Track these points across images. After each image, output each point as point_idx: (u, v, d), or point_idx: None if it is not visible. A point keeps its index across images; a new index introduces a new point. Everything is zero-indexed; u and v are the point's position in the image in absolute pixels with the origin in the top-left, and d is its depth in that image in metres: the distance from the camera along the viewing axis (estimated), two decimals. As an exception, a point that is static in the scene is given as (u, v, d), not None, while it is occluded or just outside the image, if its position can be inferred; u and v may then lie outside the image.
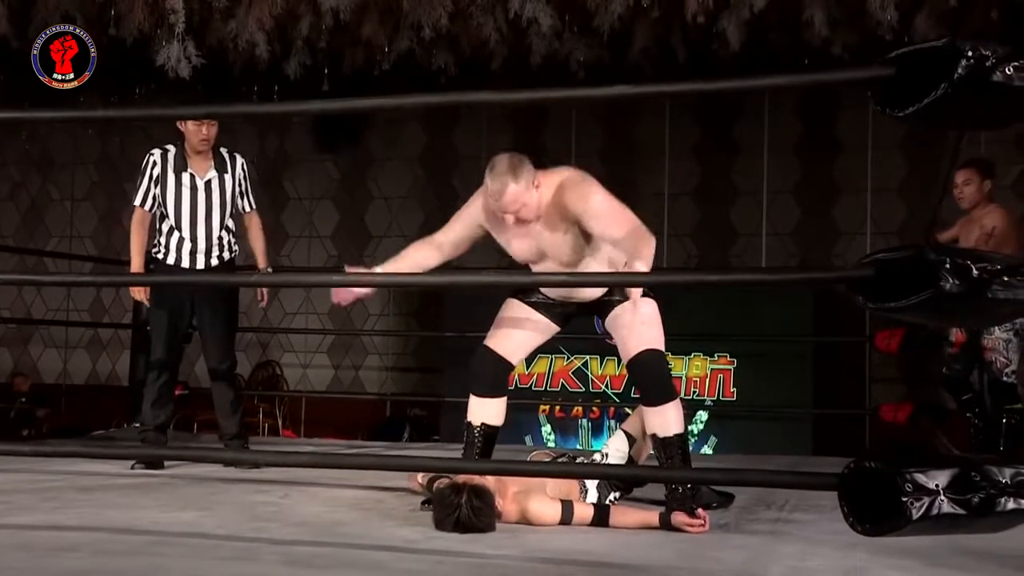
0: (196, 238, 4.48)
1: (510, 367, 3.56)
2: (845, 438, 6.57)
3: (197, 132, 4.43)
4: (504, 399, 3.53)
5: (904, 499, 1.96)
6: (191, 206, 4.46)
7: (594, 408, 6.94)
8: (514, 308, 3.54)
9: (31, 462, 4.28)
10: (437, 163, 8.30)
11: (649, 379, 3.29)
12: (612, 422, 6.86)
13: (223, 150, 4.59)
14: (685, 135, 7.67)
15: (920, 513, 1.96)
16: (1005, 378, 4.97)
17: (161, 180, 4.47)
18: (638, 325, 3.31)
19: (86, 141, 8.95)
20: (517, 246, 3.43)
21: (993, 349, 4.97)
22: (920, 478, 1.98)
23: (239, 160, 4.61)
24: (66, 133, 8.91)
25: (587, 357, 6.93)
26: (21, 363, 9.02)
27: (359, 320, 8.29)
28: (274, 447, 5.81)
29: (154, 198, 4.49)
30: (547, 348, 6.85)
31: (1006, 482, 2.05)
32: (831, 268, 6.28)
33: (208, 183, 4.49)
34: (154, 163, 4.49)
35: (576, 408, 6.95)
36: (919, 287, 2.06)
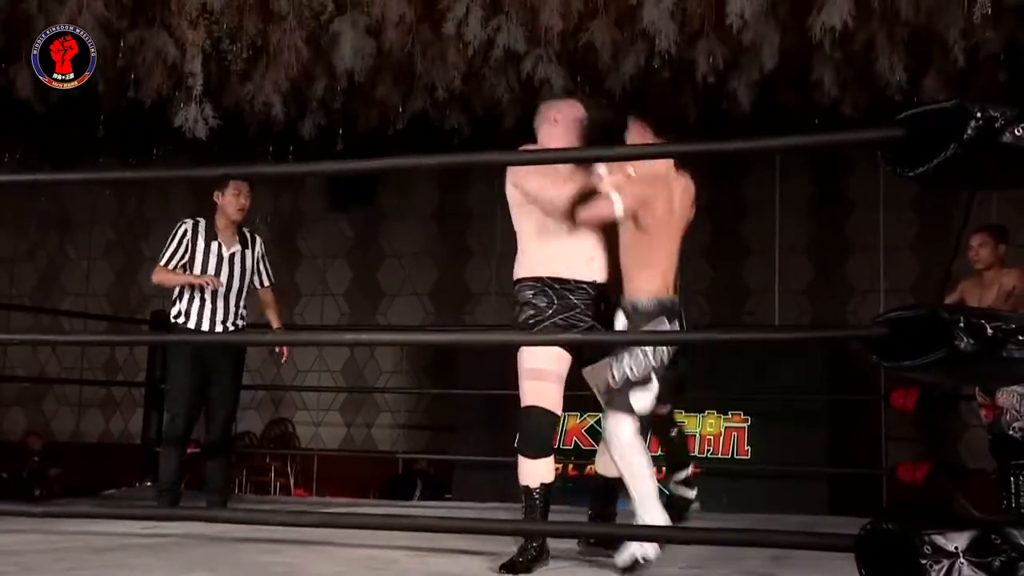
0: (216, 306, 4.73)
1: (558, 420, 3.47)
2: (861, 498, 6.49)
3: (235, 202, 4.74)
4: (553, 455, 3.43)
5: (923, 562, 1.93)
6: (215, 274, 4.72)
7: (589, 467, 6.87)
8: (541, 356, 3.42)
9: (43, 522, 4.26)
10: (450, 221, 8.36)
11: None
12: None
13: (245, 229, 4.91)
14: (698, 193, 7.69)
15: (940, 576, 1.93)
16: (1012, 432, 4.94)
17: (191, 248, 4.74)
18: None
19: (103, 201, 9.06)
20: None
21: (1006, 404, 4.94)
22: (939, 540, 1.95)
23: (259, 239, 4.97)
24: (84, 193, 9.02)
25: (600, 415, 6.88)
26: (34, 422, 9.03)
27: (372, 377, 8.29)
28: (286, 506, 5.77)
29: (180, 262, 4.74)
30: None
31: (1027, 544, 2.02)
32: (845, 326, 6.27)
33: (232, 256, 4.80)
34: (185, 231, 4.77)
35: (590, 466, 6.88)
36: (934, 346, 2.05)
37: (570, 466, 6.92)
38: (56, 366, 9.00)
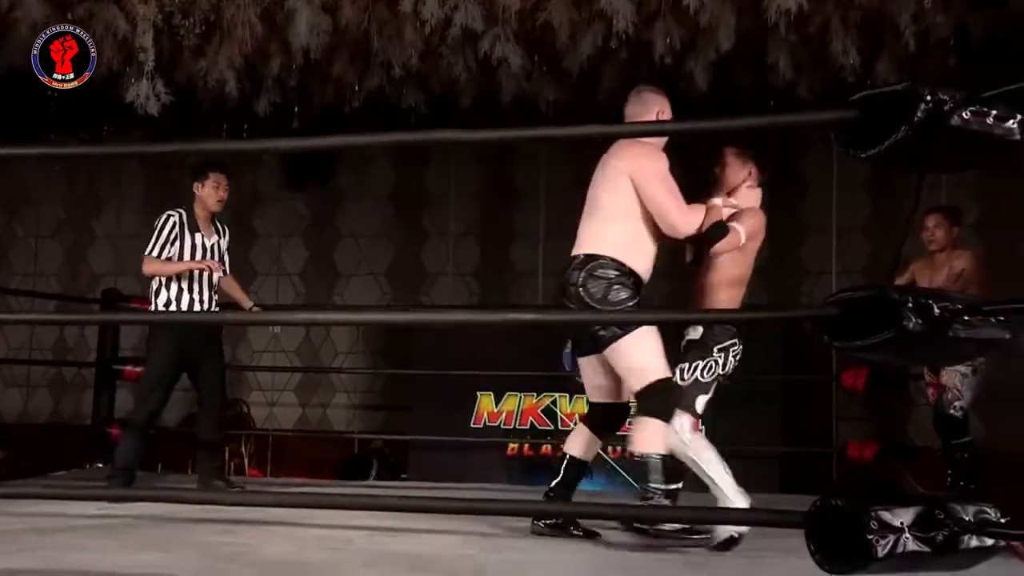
0: (203, 296, 4.91)
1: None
2: (813, 476, 6.60)
3: (215, 194, 4.94)
4: None
5: (870, 537, 1.97)
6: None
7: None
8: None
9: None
10: (407, 201, 8.32)
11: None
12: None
13: (216, 220, 5.08)
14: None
15: (886, 551, 1.97)
16: (952, 411, 5.03)
17: (179, 240, 4.89)
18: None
19: (53, 178, 8.88)
20: None
21: (948, 383, 5.04)
22: (885, 516, 1.99)
23: (226, 230, 5.14)
24: (32, 170, 8.84)
25: (556, 395, 6.93)
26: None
27: (327, 358, 8.25)
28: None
29: (169, 254, 4.88)
30: (516, 385, 6.94)
31: (969, 519, 2.07)
32: (799, 307, 6.34)
33: (212, 246, 5.00)
34: (174, 223, 4.91)
35: (545, 446, 6.93)
36: (883, 326, 2.09)
37: (526, 446, 6.96)
38: (3, 346, 8.84)
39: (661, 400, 3.51)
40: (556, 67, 5.74)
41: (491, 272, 8.07)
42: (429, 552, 3.34)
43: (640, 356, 3.53)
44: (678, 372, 3.60)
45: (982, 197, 6.91)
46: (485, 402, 7.07)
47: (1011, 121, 2.07)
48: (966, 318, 2.13)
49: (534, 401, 6.99)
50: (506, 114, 6.20)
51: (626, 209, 3.62)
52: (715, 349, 3.64)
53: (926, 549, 2.00)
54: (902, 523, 1.99)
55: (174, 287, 4.89)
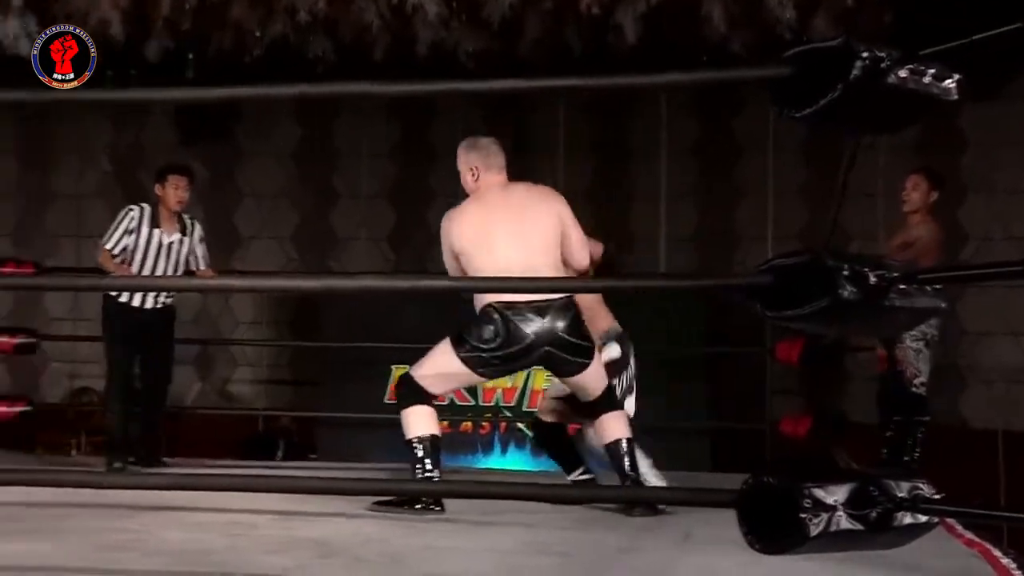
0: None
1: None
2: (745, 453, 6.75)
3: (174, 195, 5.43)
4: None
5: (803, 515, 2.02)
6: (154, 260, 5.44)
7: (484, 423, 6.96)
8: None
9: None
10: (313, 159, 8.21)
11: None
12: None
13: (186, 216, 5.57)
14: (580, 133, 7.77)
15: (819, 530, 2.03)
16: (914, 389, 5.14)
17: (136, 233, 5.41)
18: None
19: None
20: None
21: (904, 359, 5.13)
22: (819, 493, 2.04)
23: (198, 226, 5.64)
24: None
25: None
26: None
27: (228, 329, 8.13)
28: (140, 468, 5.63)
29: (124, 247, 5.41)
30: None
31: (903, 496, 2.14)
32: (729, 275, 6.43)
33: (171, 244, 5.49)
34: (132, 217, 5.44)
35: (465, 423, 6.95)
36: (817, 294, 2.12)
37: (444, 423, 6.96)
38: None
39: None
40: (476, 17, 5.71)
41: (405, 236, 8.02)
42: (340, 538, 3.33)
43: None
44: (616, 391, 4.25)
45: (918, 158, 7.10)
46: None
47: (948, 80, 2.13)
48: (902, 287, 2.18)
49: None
50: (421, 65, 6.15)
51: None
52: (631, 357, 4.36)
53: (860, 527, 2.06)
54: (836, 501, 2.05)
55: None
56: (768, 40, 5.60)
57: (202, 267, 5.62)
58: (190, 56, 6.28)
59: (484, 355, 3.89)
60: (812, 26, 5.47)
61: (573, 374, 4.04)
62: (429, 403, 4.02)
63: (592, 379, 4.08)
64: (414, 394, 4.01)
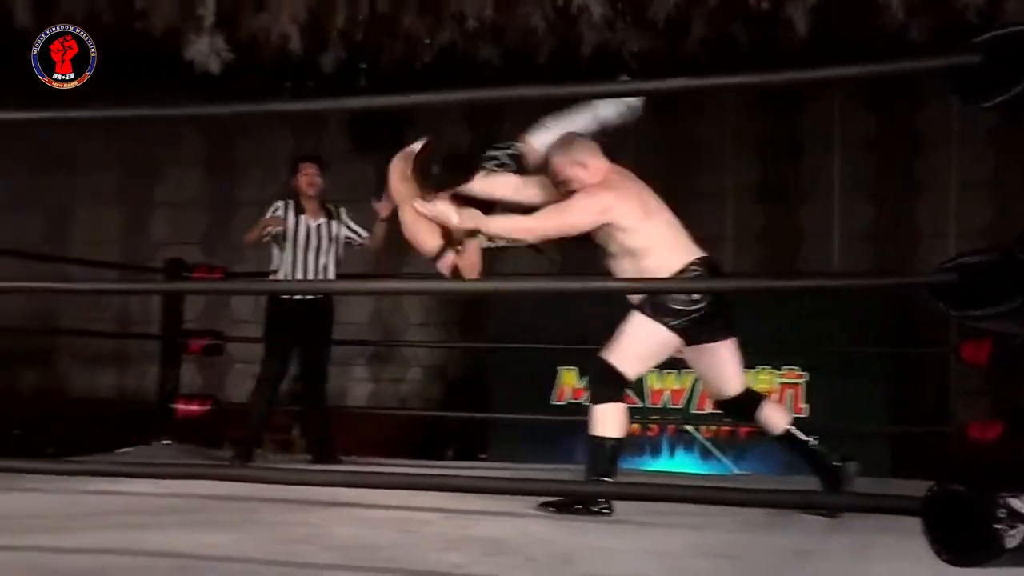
0: (307, 267, 5.77)
1: None
2: (927, 458, 6.46)
3: (306, 180, 5.81)
4: None
5: (998, 527, 1.92)
6: (304, 243, 5.78)
7: (652, 425, 6.90)
8: None
9: (54, 481, 4.33)
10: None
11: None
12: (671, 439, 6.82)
13: (329, 204, 5.91)
14: (747, 130, 7.61)
15: (1016, 542, 1.92)
16: None
17: (284, 218, 5.76)
18: None
19: (109, 143, 9.01)
20: None
21: None
22: (1015, 503, 1.94)
23: (343, 211, 5.96)
24: (82, 134, 8.88)
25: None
26: (45, 377, 9.15)
27: (401, 329, 8.32)
28: (309, 466, 5.84)
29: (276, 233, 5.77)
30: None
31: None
32: (911, 273, 6.19)
33: (319, 225, 5.83)
34: (276, 207, 5.84)
35: (634, 425, 6.90)
36: (1008, 293, 2.02)
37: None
38: (67, 318, 9.05)
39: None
40: (641, 16, 5.66)
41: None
42: (509, 536, 3.36)
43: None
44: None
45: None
46: (567, 378, 7.07)
47: None
48: (1105, 284, 2.05)
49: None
50: (587, 67, 6.15)
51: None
52: None
53: (1062, 541, 1.94)
54: (1034, 512, 1.93)
55: (283, 259, 5.78)
56: (952, 25, 5.35)
57: (363, 235, 5.87)
58: (362, 66, 6.46)
59: (696, 315, 3.86)
60: (1003, 8, 5.18)
61: (716, 340, 4.01)
62: (623, 399, 3.98)
63: (732, 352, 4.07)
64: (611, 387, 3.95)
